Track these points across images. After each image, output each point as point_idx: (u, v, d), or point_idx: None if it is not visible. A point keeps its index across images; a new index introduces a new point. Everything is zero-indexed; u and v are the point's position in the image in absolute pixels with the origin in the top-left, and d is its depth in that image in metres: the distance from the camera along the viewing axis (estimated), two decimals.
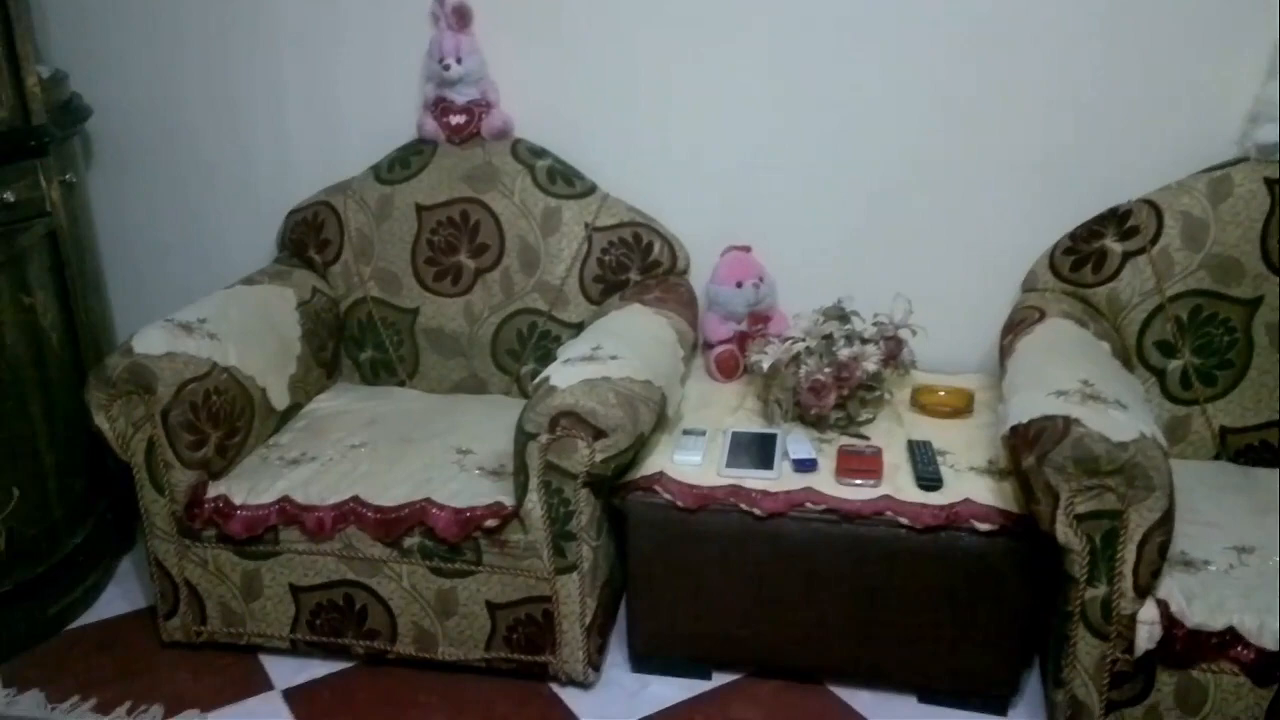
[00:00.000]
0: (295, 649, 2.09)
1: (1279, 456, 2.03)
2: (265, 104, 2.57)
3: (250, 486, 2.02)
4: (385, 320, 2.47)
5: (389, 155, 2.50)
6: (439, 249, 2.43)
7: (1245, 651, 1.59)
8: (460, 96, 2.41)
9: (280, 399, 2.25)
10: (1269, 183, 2.02)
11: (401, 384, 2.48)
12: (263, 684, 2.06)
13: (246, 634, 2.09)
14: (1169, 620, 1.61)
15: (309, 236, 2.49)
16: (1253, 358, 2.03)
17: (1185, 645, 1.61)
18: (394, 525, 1.94)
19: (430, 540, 1.94)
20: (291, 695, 2.03)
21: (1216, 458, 2.06)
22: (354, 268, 2.47)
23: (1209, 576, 1.66)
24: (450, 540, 1.92)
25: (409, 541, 1.95)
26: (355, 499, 1.97)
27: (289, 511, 1.98)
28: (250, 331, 2.20)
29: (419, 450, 2.11)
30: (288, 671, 2.08)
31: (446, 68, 2.37)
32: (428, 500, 1.94)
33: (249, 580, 2.04)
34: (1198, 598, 1.62)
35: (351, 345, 2.50)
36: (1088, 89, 2.18)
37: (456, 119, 2.42)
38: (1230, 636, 1.59)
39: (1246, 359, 2.03)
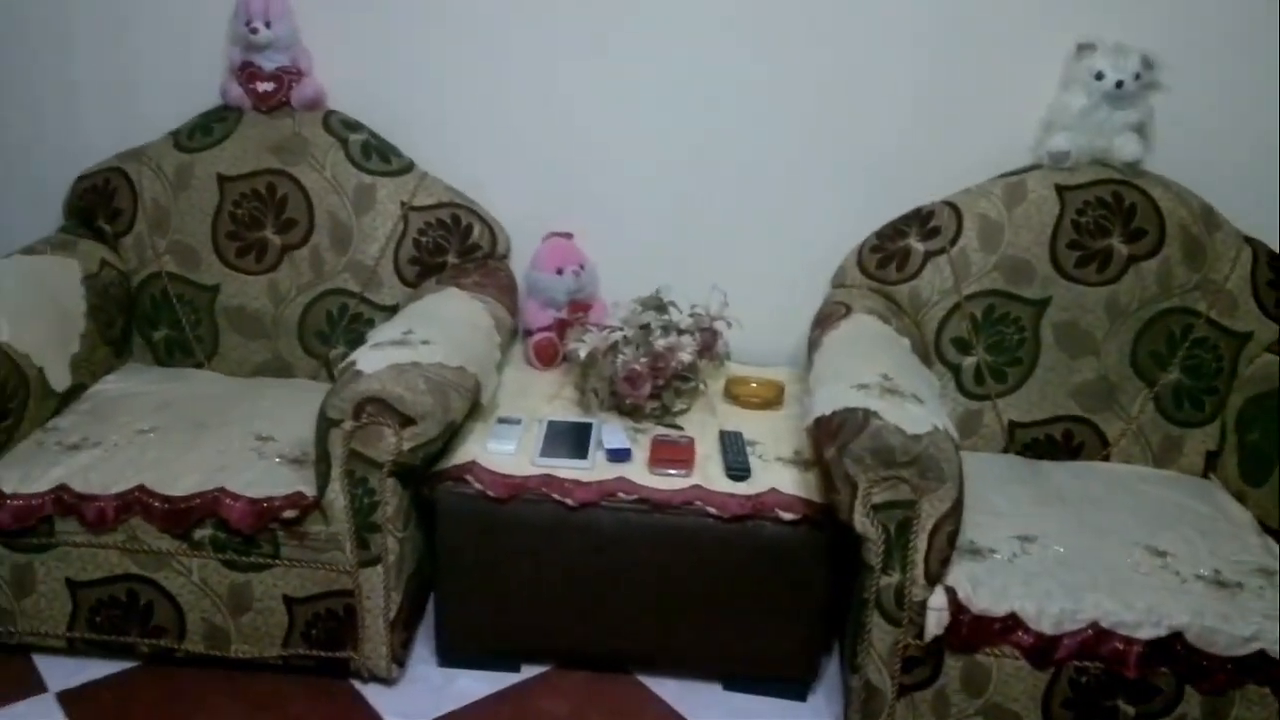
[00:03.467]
0: (73, 648, 1.94)
1: (1061, 450, 2.16)
2: (52, 58, 2.37)
3: (23, 474, 1.86)
4: (182, 297, 2.32)
5: (190, 121, 2.35)
6: (242, 223, 2.29)
7: (1025, 636, 1.67)
8: (269, 63, 2.29)
9: (60, 379, 2.08)
10: (1059, 189, 2.13)
11: (199, 366, 2.34)
12: (35, 686, 1.91)
13: (17, 633, 1.93)
14: (956, 606, 1.68)
15: (98, 205, 2.32)
16: (1040, 356, 2.14)
17: (970, 630, 1.68)
18: (183, 516, 1.83)
19: (223, 532, 1.83)
20: (67, 698, 1.90)
21: (1005, 450, 2.17)
22: (148, 240, 2.31)
23: (994, 564, 1.75)
24: (245, 532, 1.82)
25: (200, 533, 1.84)
26: (141, 488, 1.84)
27: (66, 501, 1.83)
28: (27, 305, 2.03)
29: (214, 436, 1.99)
30: (64, 673, 1.94)
31: (254, 31, 2.24)
32: (221, 490, 1.83)
33: (20, 575, 1.88)
34: (983, 584, 1.69)
35: (144, 323, 2.34)
36: (900, 96, 2.24)
37: (264, 86, 2.29)
38: (1012, 621, 1.68)
39: (1034, 357, 2.14)
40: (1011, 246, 2.13)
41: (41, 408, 2.03)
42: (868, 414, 1.68)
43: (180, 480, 1.86)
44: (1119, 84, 2.06)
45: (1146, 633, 1.65)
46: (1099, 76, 2.07)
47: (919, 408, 1.72)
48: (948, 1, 2.17)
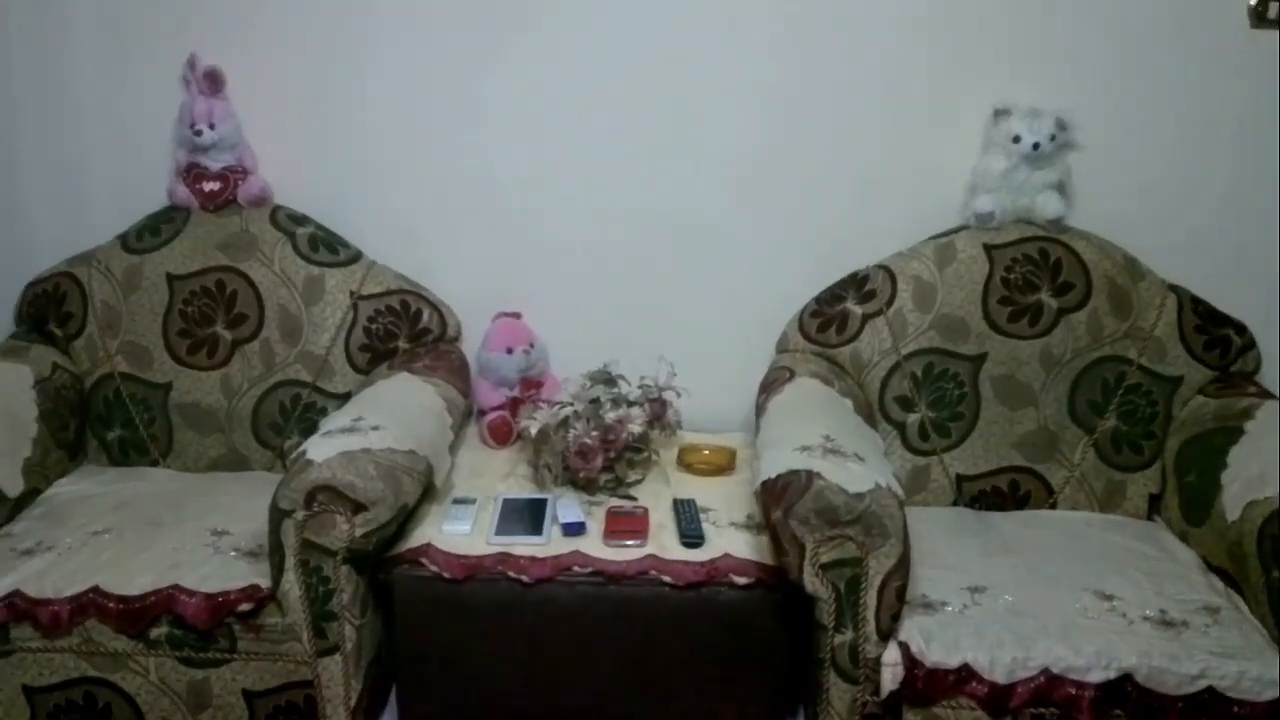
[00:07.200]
0: None
1: (1008, 500, 2.20)
2: None
3: None
4: (134, 396, 2.33)
5: (137, 223, 2.39)
6: (193, 320, 2.32)
7: (979, 686, 1.69)
8: (214, 163, 2.34)
9: (13, 485, 2.09)
10: (987, 248, 2.21)
11: (154, 464, 2.34)
12: None
13: None
14: (910, 661, 1.70)
15: (49, 310, 2.34)
16: (981, 409, 2.20)
17: (926, 684, 1.70)
18: (138, 615, 1.82)
19: (179, 629, 1.83)
20: None
21: (954, 504, 2.21)
22: (99, 342, 2.33)
23: (946, 617, 1.77)
24: (201, 628, 1.82)
25: (156, 632, 1.83)
26: (95, 589, 1.83)
27: (20, 607, 1.82)
28: None
29: (169, 534, 1.99)
30: None
31: (198, 133, 2.29)
32: (176, 586, 1.83)
33: None
34: (935, 638, 1.71)
35: (98, 424, 2.34)
36: (835, 166, 2.32)
37: (210, 185, 2.34)
38: (965, 673, 1.70)
39: (975, 411, 2.20)
40: (945, 305, 2.20)
41: None
42: (811, 475, 1.72)
43: (135, 579, 1.86)
44: (1035, 145, 2.15)
45: (1097, 676, 1.67)
46: (1016, 139, 2.16)
47: (861, 466, 1.76)
48: (874, 76, 2.27)
